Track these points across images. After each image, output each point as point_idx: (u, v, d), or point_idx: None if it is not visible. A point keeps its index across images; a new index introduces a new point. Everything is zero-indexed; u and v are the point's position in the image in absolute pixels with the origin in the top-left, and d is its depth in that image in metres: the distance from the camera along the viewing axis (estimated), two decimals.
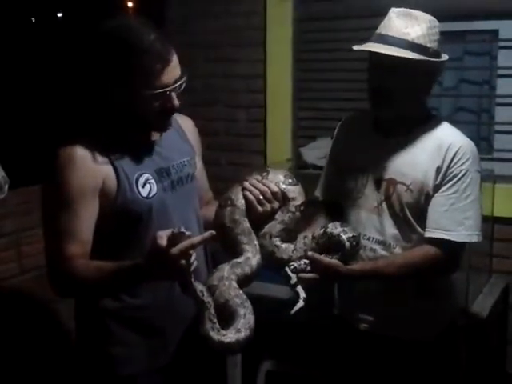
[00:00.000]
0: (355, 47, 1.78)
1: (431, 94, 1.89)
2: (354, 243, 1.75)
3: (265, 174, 1.74)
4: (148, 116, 1.62)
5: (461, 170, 1.76)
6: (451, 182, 1.77)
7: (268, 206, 1.70)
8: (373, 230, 1.84)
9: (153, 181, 1.67)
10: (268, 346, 2.66)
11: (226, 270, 1.59)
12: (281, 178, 1.74)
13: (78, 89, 2.02)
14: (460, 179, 1.77)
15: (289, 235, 1.75)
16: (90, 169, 1.58)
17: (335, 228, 1.74)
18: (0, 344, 2.41)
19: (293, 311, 1.63)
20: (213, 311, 1.49)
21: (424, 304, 1.84)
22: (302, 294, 1.66)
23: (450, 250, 1.76)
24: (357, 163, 1.89)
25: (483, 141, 2.92)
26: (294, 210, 1.73)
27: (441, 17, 1.78)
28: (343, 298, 2.02)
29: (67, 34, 2.92)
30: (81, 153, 1.58)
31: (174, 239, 1.42)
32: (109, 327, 1.69)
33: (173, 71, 1.58)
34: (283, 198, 1.72)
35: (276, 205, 1.71)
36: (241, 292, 1.56)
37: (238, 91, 3.28)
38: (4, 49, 2.64)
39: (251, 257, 1.66)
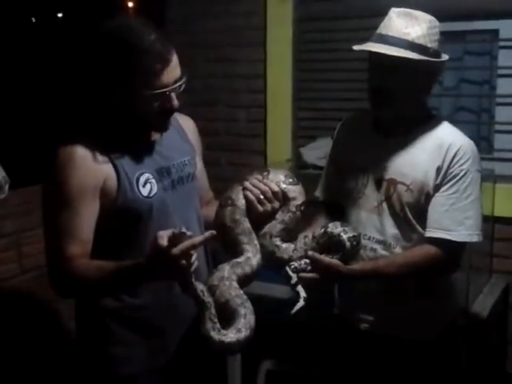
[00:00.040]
0: (355, 47, 1.78)
1: (431, 94, 1.89)
2: (355, 243, 1.75)
3: (265, 173, 1.74)
4: (148, 116, 1.62)
5: (461, 170, 1.76)
6: (451, 182, 1.77)
7: (268, 206, 1.70)
8: (373, 229, 1.84)
9: (153, 180, 1.67)
10: (268, 345, 2.66)
11: (226, 269, 1.59)
12: (281, 177, 1.74)
13: (78, 89, 2.02)
14: (460, 179, 1.77)
15: (289, 235, 1.76)
16: (91, 168, 1.58)
17: (336, 228, 1.74)
18: (0, 344, 2.41)
19: (293, 311, 1.63)
20: (213, 311, 1.49)
21: (424, 304, 1.84)
22: (303, 294, 1.66)
23: (451, 250, 1.76)
24: (357, 163, 1.89)
25: (483, 140, 2.93)
26: (294, 209, 1.73)
27: (441, 17, 1.78)
28: (343, 298, 2.02)
29: (67, 34, 2.92)
30: (81, 152, 1.58)
31: (175, 239, 1.42)
32: (109, 327, 1.69)
33: (173, 71, 1.58)
34: (284, 198, 1.73)
35: (276, 204, 1.71)
36: (241, 292, 1.56)
37: (238, 91, 3.28)
38: (4, 49, 2.64)
39: (251, 256, 1.66)
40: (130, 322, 1.70)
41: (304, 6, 3.11)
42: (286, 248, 1.74)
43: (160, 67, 1.55)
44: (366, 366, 1.95)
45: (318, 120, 3.16)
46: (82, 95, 1.77)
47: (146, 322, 1.71)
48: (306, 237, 1.77)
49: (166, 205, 1.69)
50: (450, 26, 2.58)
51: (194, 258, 1.47)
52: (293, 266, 1.71)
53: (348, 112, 2.18)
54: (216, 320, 1.48)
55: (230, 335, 1.46)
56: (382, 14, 1.79)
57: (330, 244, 1.74)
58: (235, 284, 1.57)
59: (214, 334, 1.46)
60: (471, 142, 1.81)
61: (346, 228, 1.75)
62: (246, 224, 1.70)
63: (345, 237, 1.73)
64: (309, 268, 1.71)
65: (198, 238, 1.47)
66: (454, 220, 1.76)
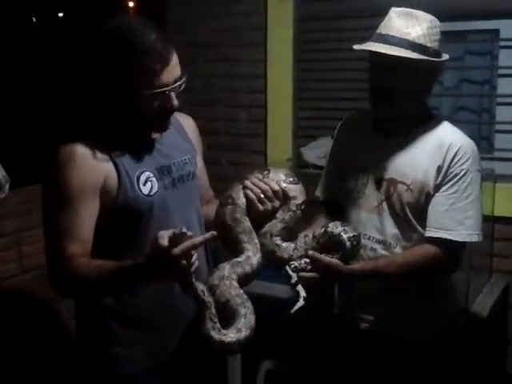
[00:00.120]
0: (356, 47, 1.78)
1: (432, 94, 1.90)
2: (355, 243, 1.75)
3: (266, 172, 1.74)
4: (148, 115, 1.62)
5: (461, 170, 1.76)
6: (452, 182, 1.77)
7: (269, 205, 1.70)
8: (373, 229, 1.84)
9: (154, 179, 1.67)
10: (268, 345, 2.65)
11: (226, 269, 1.59)
12: (282, 176, 1.74)
13: (78, 88, 2.02)
14: (460, 179, 1.77)
15: (289, 234, 1.76)
16: (91, 167, 1.58)
17: (336, 227, 1.74)
18: (0, 344, 2.41)
19: (293, 310, 1.63)
20: (213, 311, 1.48)
21: (424, 303, 1.84)
22: (303, 293, 1.66)
23: (451, 250, 1.76)
24: (357, 163, 1.89)
25: (484, 140, 2.93)
26: (294, 208, 1.73)
27: (441, 16, 1.78)
28: (343, 298, 2.02)
29: (68, 34, 2.92)
30: (81, 151, 1.57)
31: (176, 239, 1.42)
32: (109, 327, 1.69)
33: (173, 71, 1.58)
34: (284, 197, 1.72)
35: (277, 203, 1.71)
36: (241, 291, 1.56)
37: (239, 91, 3.28)
38: (5, 48, 2.64)
39: (252, 256, 1.66)
40: (130, 321, 1.70)
41: (304, 5, 3.11)
42: (286, 247, 1.74)
43: (160, 67, 1.55)
44: (366, 365, 1.95)
45: (318, 120, 3.16)
46: (83, 94, 1.76)
47: (146, 322, 1.71)
48: (306, 236, 1.77)
49: (167, 203, 1.69)
50: (451, 26, 2.58)
51: (194, 258, 1.47)
52: (293, 266, 1.71)
53: (348, 112, 2.18)
54: (216, 320, 1.48)
55: (230, 335, 1.46)
56: (383, 13, 1.79)
57: (330, 244, 1.74)
58: (235, 283, 1.57)
59: (215, 334, 1.46)
60: (471, 142, 1.81)
61: (346, 228, 1.75)
62: (247, 223, 1.70)
63: (345, 236, 1.73)
64: (309, 267, 1.71)
65: (199, 239, 1.47)
66: (454, 220, 1.76)
